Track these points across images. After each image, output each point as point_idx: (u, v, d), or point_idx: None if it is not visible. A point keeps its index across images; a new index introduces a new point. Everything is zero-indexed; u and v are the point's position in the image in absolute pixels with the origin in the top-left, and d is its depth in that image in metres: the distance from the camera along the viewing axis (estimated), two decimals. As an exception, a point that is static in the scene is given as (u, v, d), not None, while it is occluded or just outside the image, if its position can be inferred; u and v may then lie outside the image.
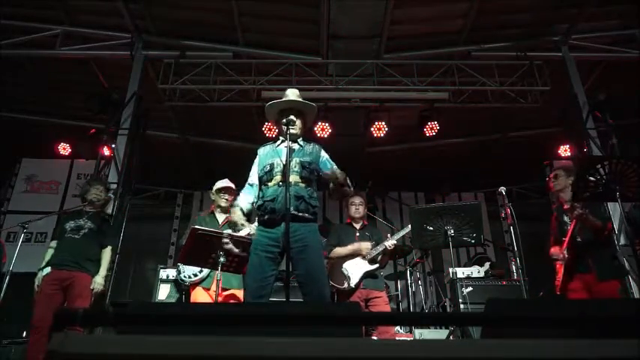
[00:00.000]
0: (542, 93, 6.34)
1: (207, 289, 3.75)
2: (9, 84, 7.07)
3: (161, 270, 5.06)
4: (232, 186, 4.14)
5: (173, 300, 4.78)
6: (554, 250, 3.68)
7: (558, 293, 3.65)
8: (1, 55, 5.92)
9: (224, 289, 3.70)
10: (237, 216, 2.86)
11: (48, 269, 3.77)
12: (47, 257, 3.88)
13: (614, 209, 5.26)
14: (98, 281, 3.82)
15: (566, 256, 3.53)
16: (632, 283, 4.90)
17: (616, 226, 5.24)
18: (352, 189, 2.91)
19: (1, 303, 3.82)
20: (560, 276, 3.60)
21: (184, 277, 3.84)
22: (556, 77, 6.29)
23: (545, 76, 6.28)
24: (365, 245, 3.98)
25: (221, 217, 4.10)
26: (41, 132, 7.81)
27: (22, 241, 4.09)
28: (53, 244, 3.97)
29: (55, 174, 7.96)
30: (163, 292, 4.88)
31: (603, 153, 5.74)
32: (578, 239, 3.53)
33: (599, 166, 2.97)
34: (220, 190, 4.13)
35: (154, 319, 0.93)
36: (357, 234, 4.22)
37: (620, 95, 6.23)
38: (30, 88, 7.25)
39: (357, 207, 4.28)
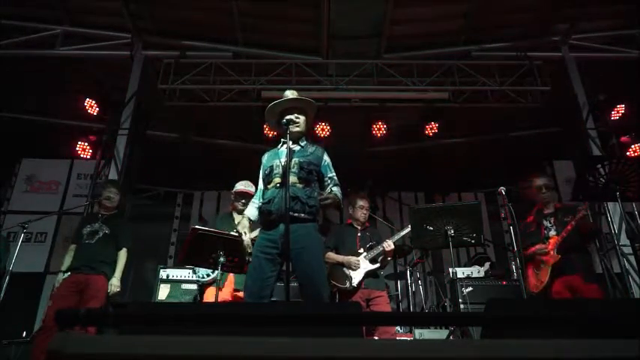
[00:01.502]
0: (542, 93, 6.34)
1: (221, 289, 3.79)
2: (9, 84, 7.07)
3: (161, 270, 5.07)
4: (251, 192, 4.10)
5: (173, 300, 4.79)
6: (539, 246, 3.69)
7: (534, 293, 3.67)
8: (1, 55, 5.92)
9: (237, 291, 3.74)
10: (242, 225, 2.87)
11: (68, 273, 3.90)
12: (66, 261, 4.01)
13: (614, 209, 5.27)
14: (115, 283, 3.93)
15: (557, 257, 3.55)
16: (632, 283, 4.90)
17: (616, 226, 5.25)
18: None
19: (1, 303, 3.82)
20: (543, 279, 3.64)
21: (199, 276, 3.91)
22: (556, 77, 6.29)
23: (545, 76, 6.28)
24: (354, 260, 4.01)
25: (238, 218, 4.11)
26: (41, 132, 7.80)
27: (21, 241, 4.09)
28: (72, 247, 4.09)
29: (55, 174, 7.96)
30: (163, 292, 4.89)
31: (603, 153, 5.74)
32: (569, 242, 3.57)
33: (599, 166, 2.97)
34: (237, 195, 4.16)
35: (153, 319, 0.93)
36: (359, 234, 4.23)
37: (620, 95, 6.23)
38: (30, 88, 7.25)
39: (365, 212, 4.32)
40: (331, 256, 4.12)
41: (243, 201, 4.08)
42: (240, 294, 3.76)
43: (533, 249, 3.74)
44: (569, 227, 3.54)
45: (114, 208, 4.26)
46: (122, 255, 4.09)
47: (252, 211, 2.94)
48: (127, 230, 4.29)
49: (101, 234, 4.02)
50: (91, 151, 6.78)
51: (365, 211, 4.31)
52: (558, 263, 3.55)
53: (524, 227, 3.96)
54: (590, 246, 3.85)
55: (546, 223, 3.80)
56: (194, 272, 4.04)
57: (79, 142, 6.86)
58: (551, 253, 3.59)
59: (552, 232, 3.70)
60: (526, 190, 4.08)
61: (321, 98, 6.22)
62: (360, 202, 4.31)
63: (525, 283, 3.72)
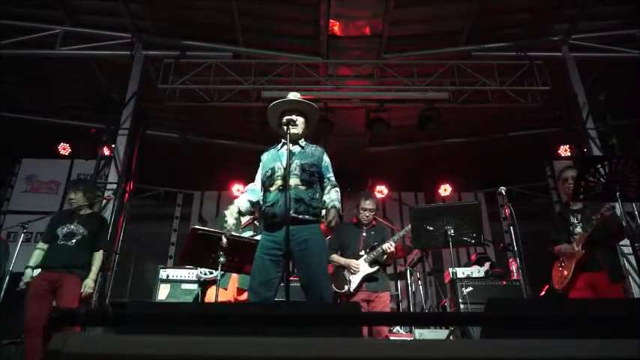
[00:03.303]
0: (542, 93, 6.34)
1: (225, 289, 3.78)
2: (9, 84, 7.07)
3: (161, 270, 5.07)
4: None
5: (173, 300, 4.79)
6: (565, 247, 3.63)
7: (558, 290, 3.62)
8: (1, 55, 5.92)
9: (242, 290, 3.74)
10: (229, 212, 2.87)
11: (38, 271, 3.80)
12: (35, 258, 3.88)
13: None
14: (88, 284, 3.84)
15: (581, 253, 3.49)
16: (632, 283, 4.90)
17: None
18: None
19: (1, 303, 3.81)
20: (566, 274, 3.56)
21: (201, 273, 3.91)
22: (556, 77, 6.29)
23: (545, 76, 6.28)
24: (354, 264, 3.97)
25: (243, 219, 4.10)
26: (41, 132, 7.81)
27: (21, 241, 4.08)
28: (42, 245, 3.95)
29: (55, 174, 7.96)
30: (163, 292, 4.89)
31: (603, 153, 5.74)
32: (595, 238, 3.50)
33: (599, 166, 2.95)
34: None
35: (153, 319, 0.93)
36: (364, 234, 4.16)
37: (620, 95, 6.23)
38: (30, 88, 7.25)
39: (368, 214, 4.18)
40: (335, 258, 4.09)
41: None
42: (245, 294, 3.77)
43: (559, 249, 3.67)
44: (594, 224, 3.46)
45: (89, 208, 4.15)
46: (98, 257, 3.98)
47: (243, 202, 2.94)
48: (106, 232, 4.22)
49: (79, 236, 3.90)
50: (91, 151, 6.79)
51: (368, 214, 4.17)
52: (582, 259, 3.48)
53: (555, 222, 3.86)
54: (617, 243, 3.71)
55: (573, 220, 3.73)
56: (196, 268, 4.04)
57: (80, 142, 6.89)
58: (576, 249, 3.53)
59: (578, 229, 3.60)
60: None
61: (321, 98, 6.22)
62: (363, 205, 4.18)
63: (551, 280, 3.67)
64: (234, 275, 3.78)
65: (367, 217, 4.18)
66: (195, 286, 4.73)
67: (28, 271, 3.82)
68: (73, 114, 7.68)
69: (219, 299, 3.73)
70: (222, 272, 3.77)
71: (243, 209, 2.93)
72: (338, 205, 2.80)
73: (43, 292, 3.69)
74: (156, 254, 8.66)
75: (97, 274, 4.00)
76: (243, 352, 0.76)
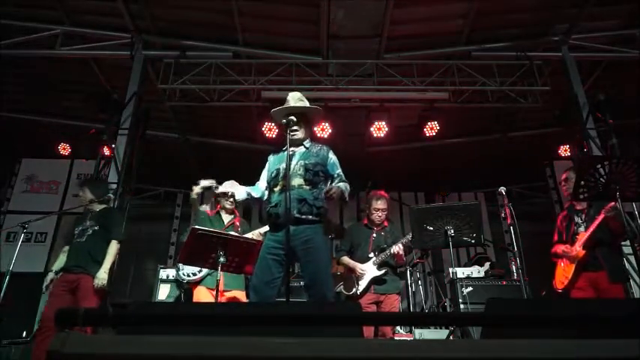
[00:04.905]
0: (542, 93, 6.33)
1: (212, 289, 3.74)
2: (9, 84, 7.07)
3: (161, 270, 5.08)
4: None
5: (173, 300, 4.79)
6: (565, 248, 3.64)
7: (559, 290, 3.63)
8: (1, 55, 5.92)
9: (225, 291, 3.71)
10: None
11: (60, 273, 3.88)
12: (58, 261, 3.98)
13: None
14: (99, 277, 3.75)
15: (582, 252, 3.49)
16: (633, 284, 4.89)
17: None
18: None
19: (1, 303, 3.82)
20: (567, 274, 3.57)
21: (183, 274, 3.86)
22: (556, 77, 6.29)
23: (545, 76, 6.27)
24: (359, 269, 3.98)
25: (227, 219, 4.09)
26: (41, 132, 7.81)
27: (22, 241, 4.08)
28: (65, 249, 4.05)
29: (55, 174, 7.97)
30: (163, 292, 4.90)
31: (603, 153, 5.73)
32: (597, 238, 3.50)
33: (599, 166, 2.96)
34: (224, 194, 4.09)
35: (153, 319, 0.93)
36: (374, 235, 4.15)
37: (620, 95, 6.23)
38: (30, 88, 7.25)
39: (380, 214, 4.16)
40: (345, 260, 4.09)
41: (231, 200, 4.06)
42: (229, 294, 3.74)
43: (559, 249, 3.69)
44: (596, 223, 3.46)
45: (99, 204, 4.15)
46: (111, 247, 3.90)
47: (241, 191, 3.04)
48: (117, 222, 4.13)
49: (90, 231, 3.92)
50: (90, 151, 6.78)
51: (381, 213, 4.14)
52: (583, 259, 3.48)
53: (560, 222, 3.87)
54: (620, 244, 3.73)
55: (577, 219, 3.73)
56: (177, 270, 3.98)
57: (80, 142, 6.88)
58: (577, 249, 3.54)
59: (581, 229, 3.62)
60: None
61: (321, 98, 6.22)
62: (375, 205, 4.15)
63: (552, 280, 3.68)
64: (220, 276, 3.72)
65: (380, 217, 4.17)
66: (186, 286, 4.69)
67: (50, 275, 3.92)
68: (73, 114, 7.68)
69: (205, 300, 3.71)
70: (209, 272, 3.76)
71: (238, 196, 3.02)
72: (344, 188, 2.82)
73: (62, 292, 3.72)
74: (156, 254, 8.66)
75: (112, 265, 3.91)
76: (243, 352, 0.76)
